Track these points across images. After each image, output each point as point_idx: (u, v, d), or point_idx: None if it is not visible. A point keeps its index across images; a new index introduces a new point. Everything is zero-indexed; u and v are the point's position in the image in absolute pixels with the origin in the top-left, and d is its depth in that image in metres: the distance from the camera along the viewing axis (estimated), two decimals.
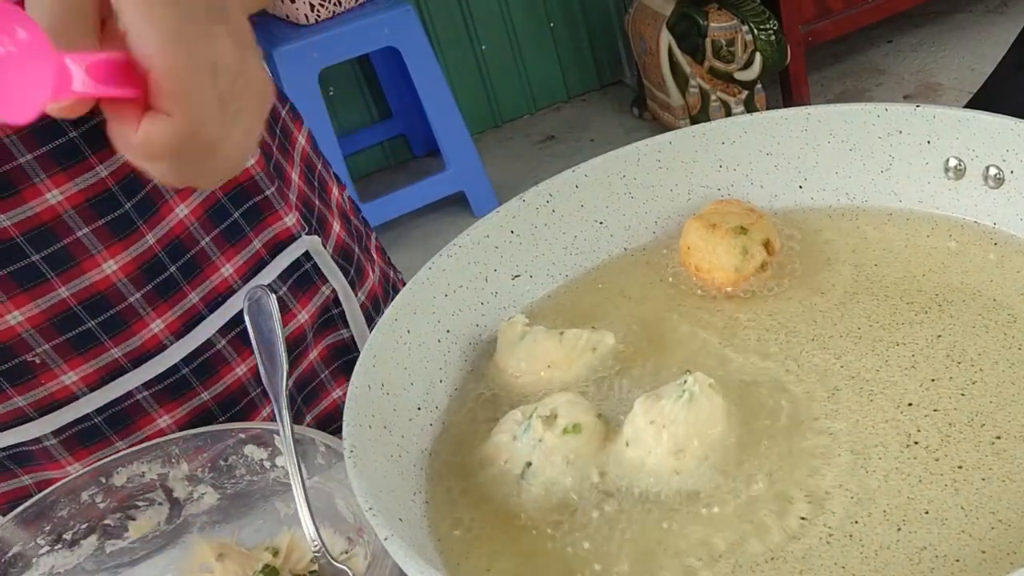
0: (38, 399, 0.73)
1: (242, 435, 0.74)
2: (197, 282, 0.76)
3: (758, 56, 2.74)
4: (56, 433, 0.75)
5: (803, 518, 0.52)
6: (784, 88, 3.01)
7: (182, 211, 0.74)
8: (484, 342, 0.67)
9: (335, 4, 2.71)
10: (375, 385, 0.59)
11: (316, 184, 0.88)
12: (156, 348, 0.75)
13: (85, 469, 0.73)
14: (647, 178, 0.71)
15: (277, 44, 2.63)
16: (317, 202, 0.87)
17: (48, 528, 0.72)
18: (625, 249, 0.72)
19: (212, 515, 0.75)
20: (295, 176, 0.84)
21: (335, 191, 0.92)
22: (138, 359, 0.75)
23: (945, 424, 0.54)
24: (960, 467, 0.52)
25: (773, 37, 2.72)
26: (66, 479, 0.73)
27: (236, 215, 0.77)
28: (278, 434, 0.70)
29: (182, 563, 0.72)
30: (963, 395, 0.56)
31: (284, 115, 0.87)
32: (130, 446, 0.77)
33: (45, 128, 0.65)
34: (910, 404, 0.56)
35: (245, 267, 0.79)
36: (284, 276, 0.81)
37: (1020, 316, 0.59)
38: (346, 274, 0.87)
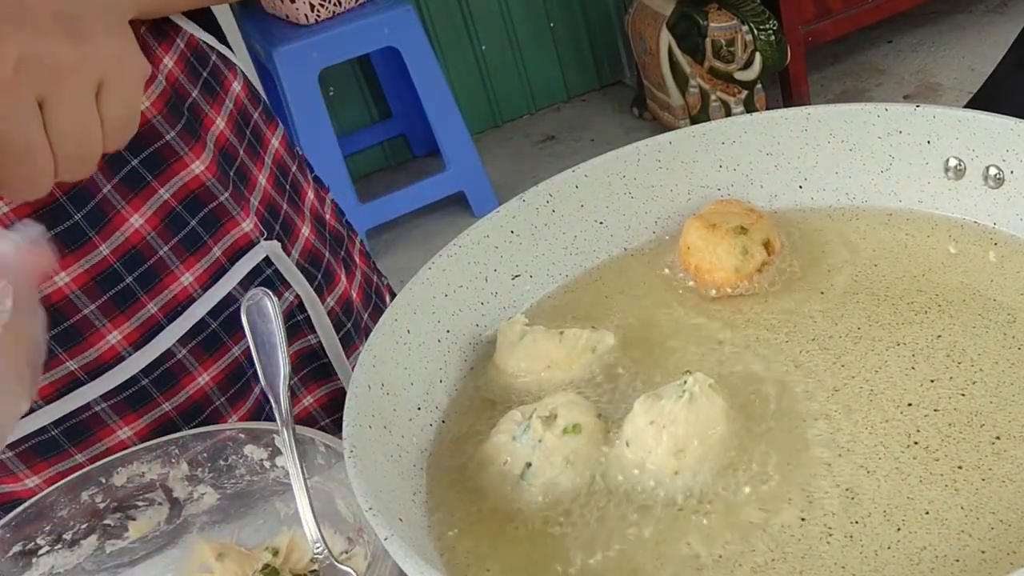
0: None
1: (242, 435, 0.74)
2: (155, 292, 0.75)
3: (758, 56, 2.74)
4: (12, 446, 0.75)
5: (803, 518, 0.52)
6: (784, 88, 3.01)
7: (137, 221, 0.73)
8: (484, 342, 0.67)
9: (335, 4, 2.71)
10: (375, 385, 0.59)
11: (287, 187, 0.87)
12: (114, 359, 0.75)
13: (85, 469, 0.73)
14: (647, 178, 0.71)
15: (277, 44, 2.63)
16: (285, 205, 0.85)
17: (48, 528, 0.72)
18: (625, 249, 0.72)
19: (212, 515, 0.75)
20: (263, 179, 0.83)
21: (310, 194, 0.91)
22: (95, 371, 0.74)
23: (945, 424, 0.54)
24: (960, 467, 0.52)
25: (773, 37, 2.72)
26: (66, 479, 0.73)
27: (193, 223, 0.76)
28: (278, 434, 0.70)
29: (182, 563, 0.72)
30: (963, 395, 0.56)
31: (256, 117, 0.86)
32: (90, 459, 0.76)
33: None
34: (910, 404, 0.56)
35: (205, 275, 0.78)
36: (244, 283, 0.80)
37: (1020, 316, 0.59)
38: (311, 280, 0.85)
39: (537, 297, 0.70)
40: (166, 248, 0.75)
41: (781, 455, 0.55)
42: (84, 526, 0.73)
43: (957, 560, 0.48)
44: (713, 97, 2.84)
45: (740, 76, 2.79)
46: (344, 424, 0.55)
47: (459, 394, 0.65)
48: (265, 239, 0.81)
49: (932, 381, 0.57)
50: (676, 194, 0.72)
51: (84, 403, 0.75)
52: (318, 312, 0.86)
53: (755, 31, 2.71)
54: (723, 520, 0.53)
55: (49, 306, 0.70)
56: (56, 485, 0.72)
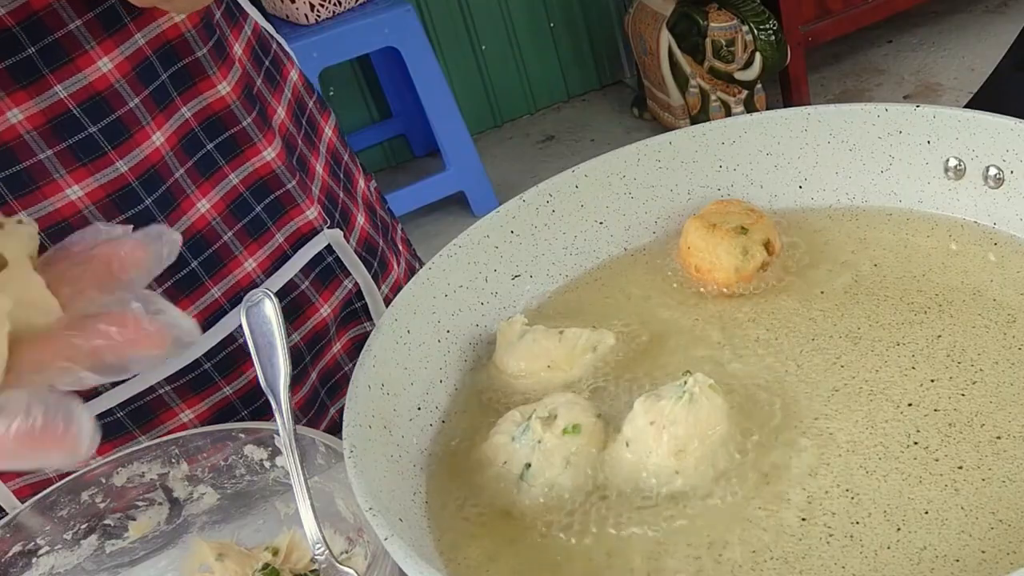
0: None
1: (242, 435, 0.74)
2: (219, 277, 0.76)
3: (758, 56, 2.74)
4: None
5: (803, 518, 0.52)
6: (784, 88, 3.01)
7: (203, 206, 0.74)
8: (484, 342, 0.67)
9: (335, 4, 2.71)
10: (375, 385, 0.59)
11: (341, 176, 0.88)
12: None
13: (85, 469, 0.73)
14: (647, 178, 0.71)
15: None
16: (341, 194, 0.86)
17: (48, 528, 0.72)
18: (625, 249, 0.72)
19: (212, 515, 0.75)
20: (319, 168, 0.84)
21: (361, 182, 0.92)
22: None
23: (945, 424, 0.54)
24: (960, 467, 0.52)
25: (773, 37, 2.72)
26: (66, 479, 0.73)
27: (258, 209, 0.77)
28: (278, 434, 0.70)
29: (182, 563, 0.72)
30: (963, 395, 0.56)
31: (311, 106, 0.86)
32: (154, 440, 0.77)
33: (65, 122, 0.65)
34: (910, 404, 0.56)
35: (268, 261, 0.79)
36: (306, 270, 0.81)
37: (1020, 316, 0.59)
38: (369, 267, 0.86)
39: (537, 297, 0.70)
40: (230, 233, 0.76)
41: (781, 455, 0.55)
42: (84, 526, 0.73)
43: (957, 560, 0.48)
44: (713, 97, 2.84)
45: (740, 76, 2.79)
46: (344, 424, 0.55)
47: (459, 394, 0.65)
48: (328, 227, 0.82)
49: (932, 381, 0.57)
50: (676, 194, 0.72)
51: (148, 386, 0.76)
52: (375, 299, 0.87)
53: (755, 31, 2.71)
54: (723, 520, 0.53)
55: None
56: (56, 485, 0.72)
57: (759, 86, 2.84)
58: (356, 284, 0.85)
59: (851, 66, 3.22)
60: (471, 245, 0.67)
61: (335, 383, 0.86)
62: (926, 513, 0.50)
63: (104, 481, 0.73)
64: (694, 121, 2.88)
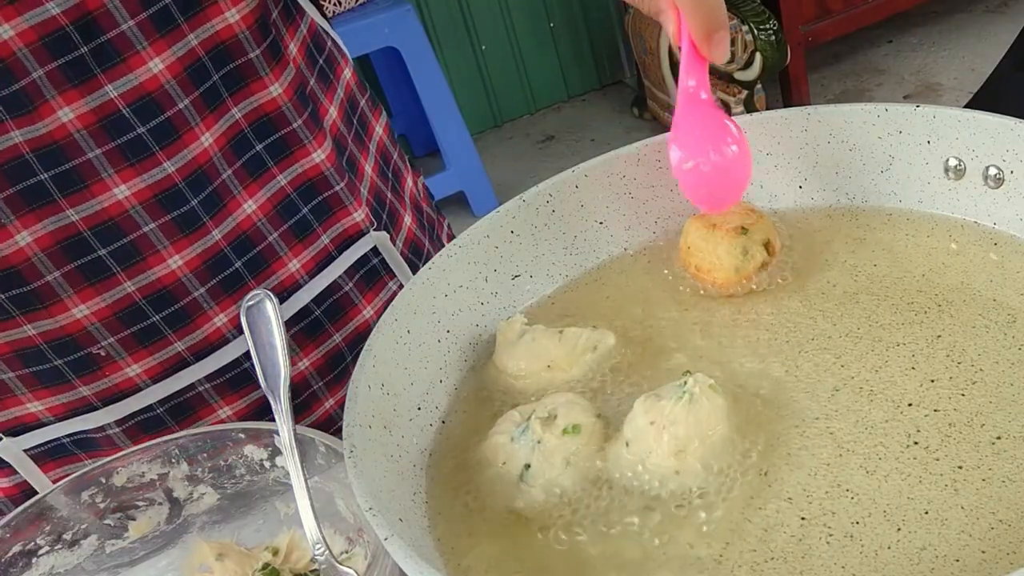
0: (102, 390, 0.74)
1: (242, 435, 0.74)
2: (263, 277, 0.76)
3: (758, 56, 2.74)
4: (119, 422, 0.76)
5: (803, 518, 0.52)
6: (784, 88, 3.01)
7: (250, 207, 0.74)
8: (484, 342, 0.67)
9: (335, 4, 2.71)
10: (375, 385, 0.59)
11: (390, 175, 0.87)
12: (219, 342, 0.76)
13: (85, 469, 0.73)
14: (647, 178, 0.71)
15: None
16: (389, 195, 0.86)
17: (48, 528, 0.72)
18: (625, 249, 0.72)
19: (212, 515, 0.75)
20: (368, 168, 0.84)
21: (409, 181, 0.91)
22: (200, 352, 0.75)
23: (945, 424, 0.54)
24: (960, 467, 0.52)
25: (773, 37, 2.71)
26: (66, 479, 0.73)
27: (305, 210, 0.77)
28: (278, 434, 0.70)
29: (182, 563, 0.72)
30: (963, 395, 0.56)
31: (363, 105, 0.86)
32: None
33: (115, 122, 0.66)
34: (910, 404, 0.56)
35: (312, 262, 0.78)
36: (351, 272, 0.81)
37: (1020, 316, 0.59)
38: (414, 269, 0.86)
39: (537, 297, 0.70)
40: (275, 234, 0.76)
41: (781, 455, 0.55)
42: (84, 526, 0.73)
43: (957, 560, 0.48)
44: (713, 97, 2.84)
45: (740, 76, 2.79)
46: (344, 424, 0.56)
47: (459, 394, 0.65)
48: (375, 229, 0.82)
49: (932, 381, 0.57)
50: (676, 194, 0.71)
51: (188, 383, 0.76)
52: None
53: (755, 31, 2.71)
54: (724, 520, 0.53)
55: (162, 288, 0.71)
56: (56, 485, 0.73)
57: (759, 86, 2.84)
58: (400, 286, 0.85)
59: (851, 66, 3.22)
60: (471, 245, 0.67)
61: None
62: (926, 513, 0.50)
63: (104, 481, 0.73)
64: None
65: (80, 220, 0.67)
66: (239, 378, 0.78)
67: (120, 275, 0.70)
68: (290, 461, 0.66)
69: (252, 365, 0.77)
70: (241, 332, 0.76)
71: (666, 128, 0.66)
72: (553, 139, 3.32)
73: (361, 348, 0.83)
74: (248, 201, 0.74)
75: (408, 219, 0.88)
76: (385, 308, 0.84)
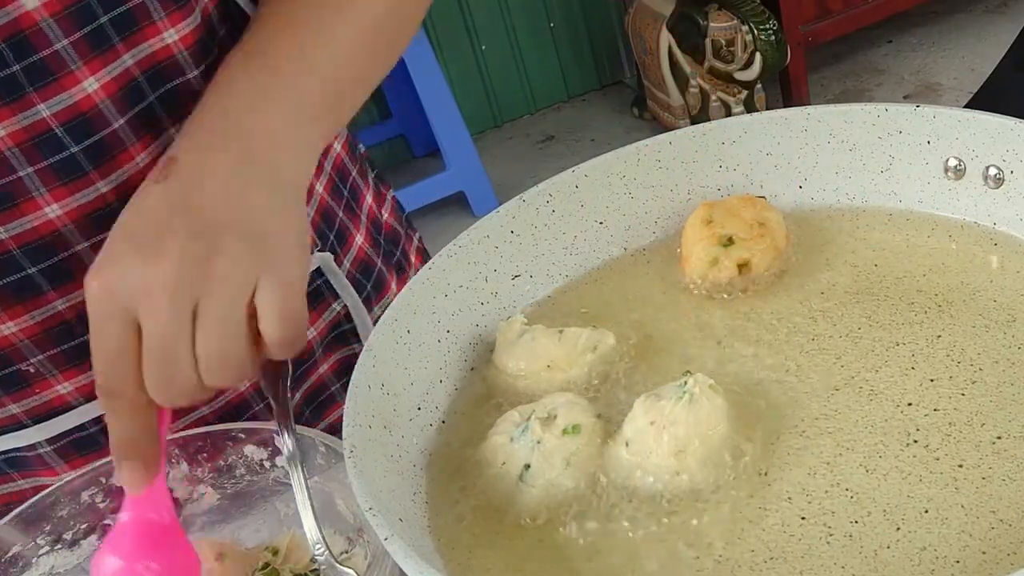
0: (32, 407, 0.73)
1: (242, 435, 0.74)
2: None
3: (758, 56, 2.74)
4: (51, 441, 0.75)
5: (803, 518, 0.52)
6: (784, 88, 3.01)
7: None
8: (484, 342, 0.67)
9: None
10: (375, 385, 0.59)
11: (345, 193, 0.86)
12: None
13: (85, 469, 0.73)
14: (647, 178, 0.71)
15: None
16: (341, 213, 0.84)
17: (48, 528, 0.72)
18: (625, 249, 0.72)
19: (212, 515, 0.75)
20: (320, 188, 0.82)
21: (368, 198, 0.89)
22: None
23: (945, 424, 0.54)
24: (960, 467, 0.52)
25: (773, 37, 2.71)
26: (66, 479, 0.73)
27: None
28: (278, 434, 0.70)
29: None
30: (963, 395, 0.56)
31: None
32: None
33: (47, 141, 0.65)
34: (910, 404, 0.56)
35: None
36: None
37: (1020, 316, 0.59)
38: (361, 290, 0.85)
39: (537, 297, 0.70)
40: None
41: (781, 455, 0.55)
42: (84, 526, 0.73)
43: (957, 560, 0.48)
44: (713, 97, 2.84)
45: (740, 76, 2.79)
46: (344, 424, 0.56)
47: (459, 394, 0.65)
48: (319, 250, 0.80)
49: (932, 381, 0.57)
50: (676, 194, 0.72)
51: None
52: (364, 323, 0.85)
53: (755, 31, 2.71)
54: (723, 520, 0.53)
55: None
56: (56, 485, 0.72)
57: (759, 86, 2.83)
58: (345, 307, 0.84)
59: (851, 66, 3.21)
60: (471, 245, 0.67)
61: (321, 403, 0.85)
62: (926, 512, 0.50)
63: (104, 481, 0.73)
64: (694, 121, 2.88)
65: (10, 238, 0.66)
66: None
67: (51, 293, 0.69)
68: (290, 463, 0.65)
69: None
70: None
71: (666, 128, 0.66)
72: (553, 139, 3.32)
73: (304, 368, 0.82)
74: None
75: (360, 238, 0.86)
76: (328, 329, 0.83)
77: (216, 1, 0.72)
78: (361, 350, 0.85)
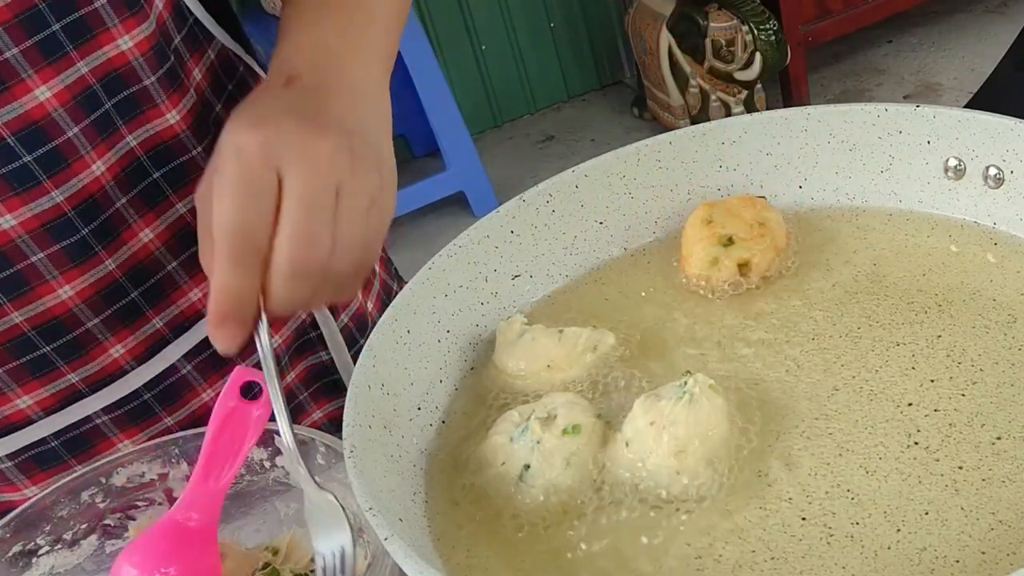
0: None
1: None
2: (161, 307, 0.74)
3: (758, 56, 2.74)
4: (11, 456, 0.74)
5: (803, 518, 0.52)
6: (784, 88, 3.01)
7: (147, 235, 0.71)
8: (484, 342, 0.67)
9: None
10: (375, 385, 0.59)
11: None
12: (116, 373, 0.74)
13: (85, 469, 0.73)
14: (647, 178, 0.71)
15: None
16: None
17: (48, 528, 0.72)
18: (625, 249, 0.72)
19: None
20: None
21: None
22: (97, 383, 0.73)
23: (945, 424, 0.54)
24: (960, 467, 0.52)
25: (773, 37, 2.71)
26: (66, 479, 0.73)
27: None
28: (278, 434, 0.70)
29: None
30: (963, 395, 0.56)
31: None
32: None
33: None
34: (910, 404, 0.56)
35: None
36: None
37: (1020, 316, 0.59)
38: None
39: (537, 297, 0.70)
40: (175, 263, 0.74)
41: (781, 455, 0.55)
42: (84, 526, 0.73)
43: (957, 561, 0.48)
44: (713, 97, 2.84)
45: (740, 76, 2.79)
46: (344, 424, 0.55)
47: (459, 394, 0.65)
48: None
49: (932, 381, 0.57)
50: (676, 194, 0.72)
51: (85, 415, 0.74)
52: (331, 330, 0.84)
53: (755, 31, 2.71)
54: (723, 520, 0.53)
55: (52, 319, 0.70)
56: (56, 485, 0.72)
57: (759, 86, 2.83)
58: (310, 314, 0.83)
59: (851, 66, 3.21)
60: (471, 245, 0.67)
61: (290, 410, 0.85)
62: (926, 513, 0.50)
63: (104, 481, 0.73)
64: (694, 121, 2.87)
65: None
66: (139, 410, 0.76)
67: (6, 305, 0.68)
68: (274, 398, 0.63)
69: (152, 398, 0.75)
70: (140, 363, 0.74)
71: (666, 128, 0.66)
72: (553, 139, 3.32)
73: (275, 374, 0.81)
74: (145, 230, 0.71)
75: None
76: (294, 337, 0.82)
77: (170, 10, 0.72)
78: (328, 357, 0.85)
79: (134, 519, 0.74)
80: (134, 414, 0.76)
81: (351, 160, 0.57)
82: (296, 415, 0.86)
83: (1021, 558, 0.48)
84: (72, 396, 0.73)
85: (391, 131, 0.65)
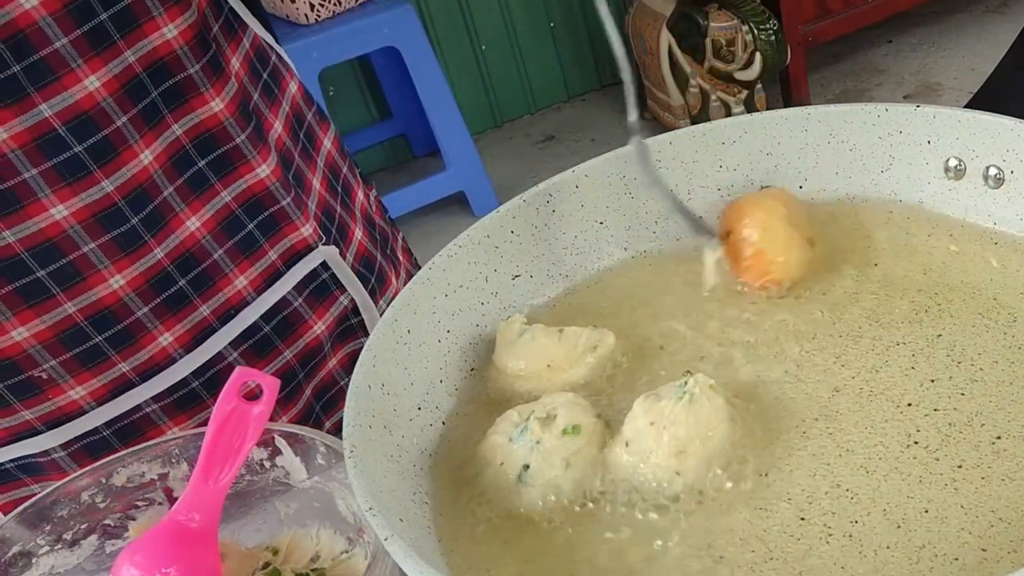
0: (46, 413, 0.73)
1: None
2: (208, 295, 0.75)
3: (758, 56, 2.74)
4: (64, 446, 0.75)
5: (803, 518, 0.52)
6: (784, 88, 3.01)
7: (193, 224, 0.72)
8: (484, 342, 0.67)
9: (335, 4, 2.71)
10: (375, 385, 0.59)
11: (339, 189, 0.86)
12: (165, 361, 0.75)
13: (85, 469, 0.73)
14: (647, 178, 0.71)
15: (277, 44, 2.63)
16: (339, 208, 0.85)
17: (48, 528, 0.72)
18: (625, 249, 0.72)
19: None
20: (316, 183, 0.82)
21: (360, 194, 0.90)
22: (146, 373, 0.74)
23: (945, 424, 0.54)
24: (960, 466, 0.52)
25: (773, 37, 2.71)
26: (66, 479, 0.73)
27: (251, 226, 0.76)
28: (278, 434, 0.70)
29: None
30: (963, 395, 0.56)
31: (310, 119, 0.84)
32: None
33: (50, 141, 0.65)
34: (910, 404, 0.56)
35: (260, 279, 0.77)
36: (300, 287, 0.80)
37: (1020, 316, 0.59)
38: (366, 283, 0.85)
39: (537, 297, 0.70)
40: (221, 251, 0.75)
41: (781, 455, 0.55)
42: (84, 526, 0.73)
43: (957, 559, 0.48)
44: (713, 97, 2.84)
45: (740, 76, 2.79)
46: (344, 424, 0.55)
47: (459, 394, 0.65)
48: (323, 243, 0.80)
49: (932, 381, 0.57)
50: (676, 194, 0.71)
51: (135, 405, 0.75)
52: (372, 315, 0.85)
53: (755, 31, 2.71)
54: (723, 520, 0.53)
55: (104, 309, 0.70)
56: (56, 485, 0.72)
57: (759, 86, 2.84)
58: (352, 300, 0.84)
59: (851, 66, 3.21)
60: (471, 245, 0.67)
61: (330, 398, 0.85)
62: (926, 512, 0.50)
63: (104, 481, 0.73)
64: (694, 121, 2.88)
65: (16, 242, 0.66)
66: (188, 398, 0.76)
67: (60, 296, 0.69)
68: None
69: (199, 386, 0.76)
70: (188, 352, 0.75)
71: (666, 128, 0.66)
72: (553, 139, 3.32)
73: (314, 363, 0.82)
74: (192, 218, 0.72)
75: (359, 232, 0.86)
76: (336, 323, 0.83)
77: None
78: None
79: (134, 519, 0.74)
80: (183, 401, 0.77)
81: None
82: (337, 400, 0.87)
83: (1021, 556, 0.48)
84: (123, 386, 0.74)
85: None
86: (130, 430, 0.76)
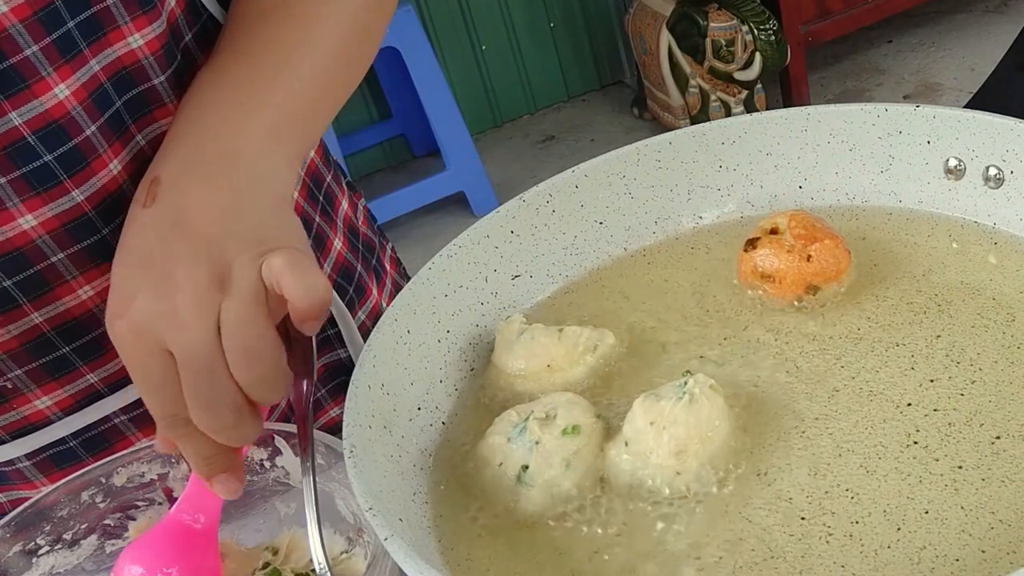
0: (11, 423, 0.72)
1: None
2: None
3: (758, 56, 2.74)
4: (29, 456, 0.74)
5: (803, 518, 0.52)
6: (784, 88, 3.01)
7: None
8: (484, 342, 0.67)
9: None
10: (375, 385, 0.59)
11: (320, 198, 0.85)
12: None
13: (84, 469, 0.73)
14: (647, 178, 0.71)
15: None
16: (317, 218, 0.83)
17: (48, 528, 0.72)
18: (625, 249, 0.72)
19: None
20: (295, 194, 0.81)
21: (343, 204, 0.88)
22: (115, 384, 0.73)
23: (945, 424, 0.54)
24: (960, 467, 0.52)
25: (773, 37, 2.71)
26: (66, 479, 0.73)
27: None
28: (278, 434, 0.70)
29: None
30: (962, 395, 0.56)
31: None
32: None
33: (20, 150, 0.63)
34: (910, 404, 0.56)
35: None
36: None
37: (1020, 315, 0.59)
38: (343, 294, 0.84)
39: (537, 297, 0.70)
40: None
41: (781, 455, 0.55)
42: (84, 526, 0.73)
43: (957, 559, 0.48)
44: (713, 97, 2.84)
45: (740, 76, 2.79)
46: (344, 424, 0.56)
47: (459, 394, 0.65)
48: None
49: (932, 381, 0.57)
50: (676, 194, 0.72)
51: (103, 415, 0.74)
52: (349, 327, 0.84)
53: (755, 31, 2.71)
54: (723, 520, 0.53)
55: (71, 319, 0.70)
56: (56, 485, 0.72)
57: (759, 86, 2.84)
58: (329, 311, 0.83)
59: (851, 66, 3.21)
60: (471, 245, 0.67)
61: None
62: (926, 513, 0.50)
63: (104, 481, 0.73)
64: (694, 121, 2.88)
65: None
66: None
67: (27, 306, 0.67)
68: (305, 478, 0.64)
69: None
70: None
71: (666, 128, 0.66)
72: (553, 139, 3.32)
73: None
74: None
75: (339, 243, 0.85)
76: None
77: (183, 7, 0.71)
78: (346, 355, 0.85)
79: (134, 519, 0.74)
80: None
81: (217, 279, 0.56)
82: (315, 411, 0.86)
83: (1021, 557, 0.48)
84: (91, 396, 0.73)
85: (292, 203, 0.62)
86: (98, 441, 0.75)
